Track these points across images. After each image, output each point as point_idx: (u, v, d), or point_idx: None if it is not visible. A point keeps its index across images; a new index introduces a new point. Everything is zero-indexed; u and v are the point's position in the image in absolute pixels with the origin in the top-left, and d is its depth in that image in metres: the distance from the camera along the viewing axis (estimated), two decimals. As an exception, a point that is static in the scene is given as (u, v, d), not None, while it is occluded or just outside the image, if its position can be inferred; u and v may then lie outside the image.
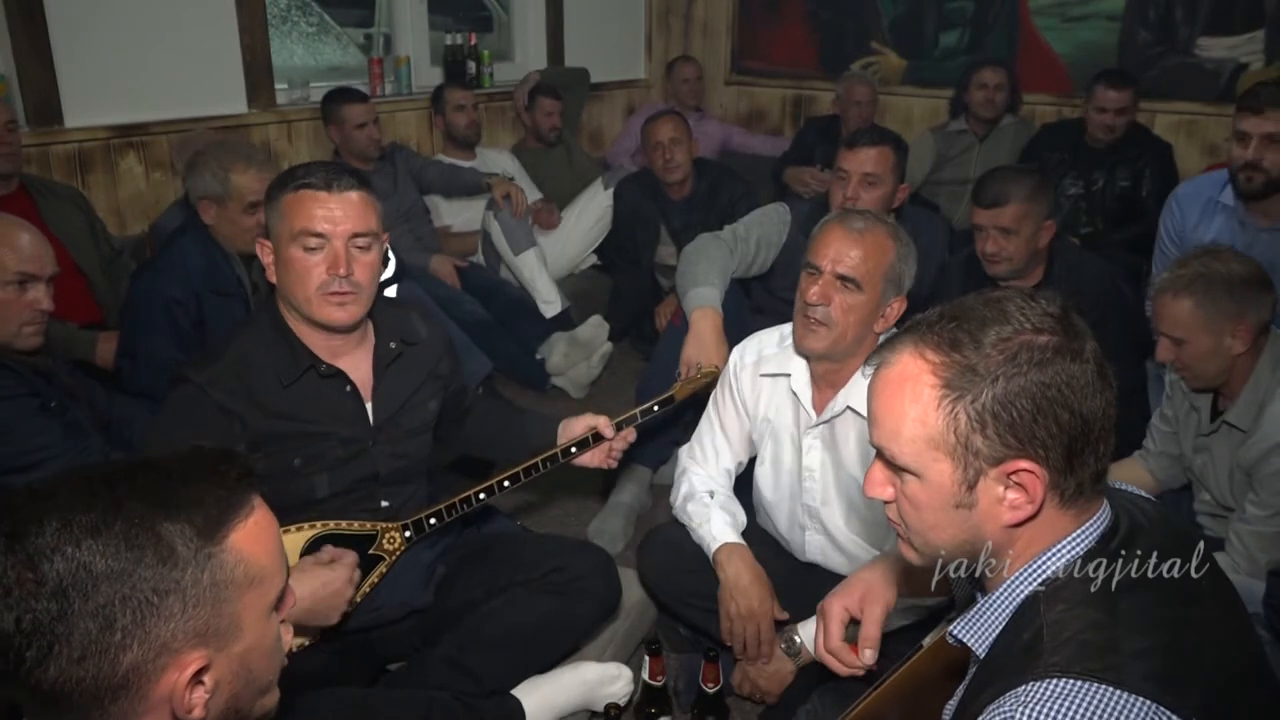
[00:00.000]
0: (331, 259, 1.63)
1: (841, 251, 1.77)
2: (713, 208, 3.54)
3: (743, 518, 2.02)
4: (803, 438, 1.92)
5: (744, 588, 1.86)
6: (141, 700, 0.80)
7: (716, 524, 1.94)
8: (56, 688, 0.78)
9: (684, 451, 2.12)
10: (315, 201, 1.62)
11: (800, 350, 1.88)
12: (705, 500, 1.98)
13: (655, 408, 2.05)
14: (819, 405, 1.89)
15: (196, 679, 0.82)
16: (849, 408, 1.82)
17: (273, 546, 0.89)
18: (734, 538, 1.92)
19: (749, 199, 3.56)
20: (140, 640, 0.78)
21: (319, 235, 1.62)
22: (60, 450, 1.89)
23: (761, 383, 1.98)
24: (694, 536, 1.97)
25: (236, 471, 0.87)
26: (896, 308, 1.80)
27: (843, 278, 1.76)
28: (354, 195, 1.65)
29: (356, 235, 1.65)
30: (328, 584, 1.64)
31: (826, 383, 1.87)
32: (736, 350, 2.05)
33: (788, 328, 1.94)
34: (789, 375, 1.92)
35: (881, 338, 1.85)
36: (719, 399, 2.06)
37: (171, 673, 0.80)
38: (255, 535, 0.86)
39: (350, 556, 1.69)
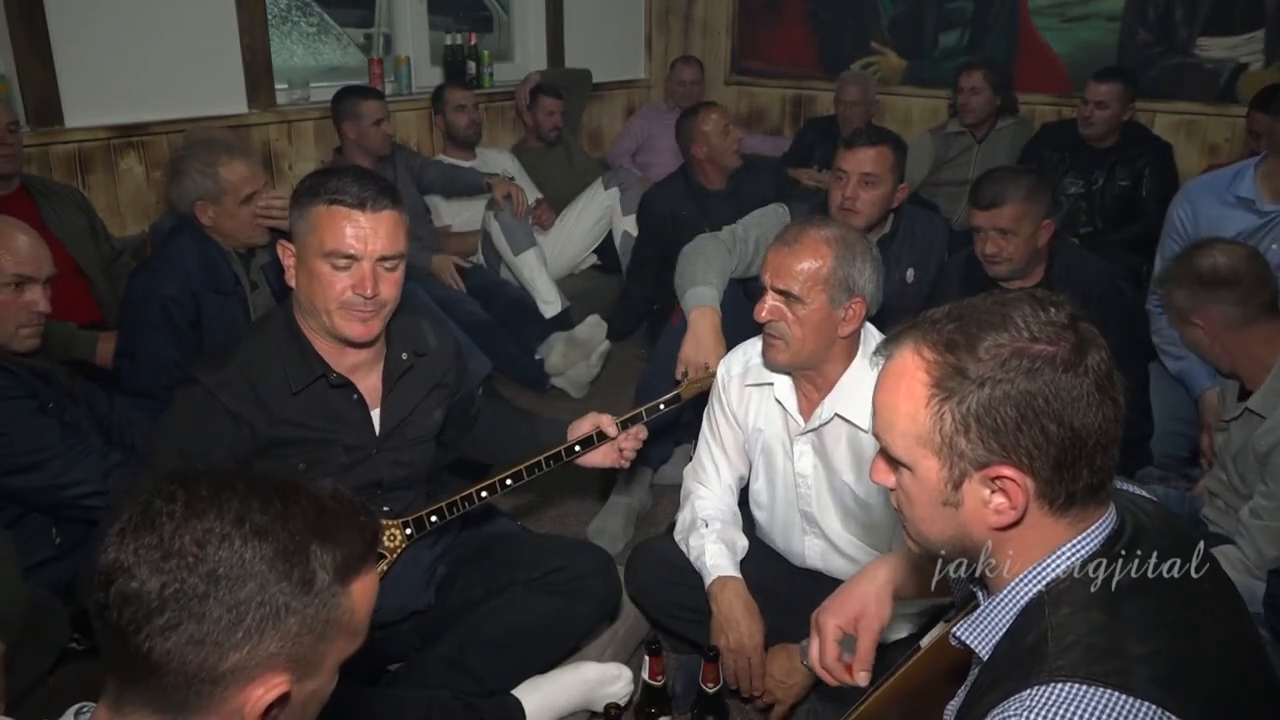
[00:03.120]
0: (359, 278, 1.61)
1: (777, 267, 1.78)
2: (753, 191, 3.48)
3: (743, 543, 2.01)
4: (793, 444, 1.92)
5: (735, 621, 1.85)
6: (221, 702, 0.83)
7: (711, 555, 1.93)
8: (163, 661, 0.80)
9: (687, 473, 2.12)
10: (348, 220, 1.59)
11: (767, 366, 1.89)
12: (702, 531, 1.97)
13: (661, 406, 2.04)
14: (805, 412, 1.89)
15: (271, 705, 0.84)
16: (837, 415, 1.82)
17: (371, 607, 0.92)
18: (729, 570, 1.91)
19: (778, 181, 3.58)
20: (253, 646, 0.81)
21: (349, 256, 1.60)
22: (59, 450, 1.89)
23: (749, 392, 1.98)
24: (695, 568, 1.96)
25: (372, 528, 0.92)
26: (856, 309, 1.79)
27: (782, 292, 1.77)
28: (387, 215, 1.62)
29: (385, 257, 1.63)
30: None
31: (812, 387, 1.87)
32: (723, 363, 2.06)
33: None
34: (772, 384, 1.92)
35: (872, 344, 1.85)
36: (712, 414, 2.06)
37: (257, 687, 0.83)
38: (367, 591, 0.90)
39: None
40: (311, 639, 0.84)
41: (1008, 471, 0.94)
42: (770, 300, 1.79)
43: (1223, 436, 2.13)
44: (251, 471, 0.88)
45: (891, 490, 1.06)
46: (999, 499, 0.96)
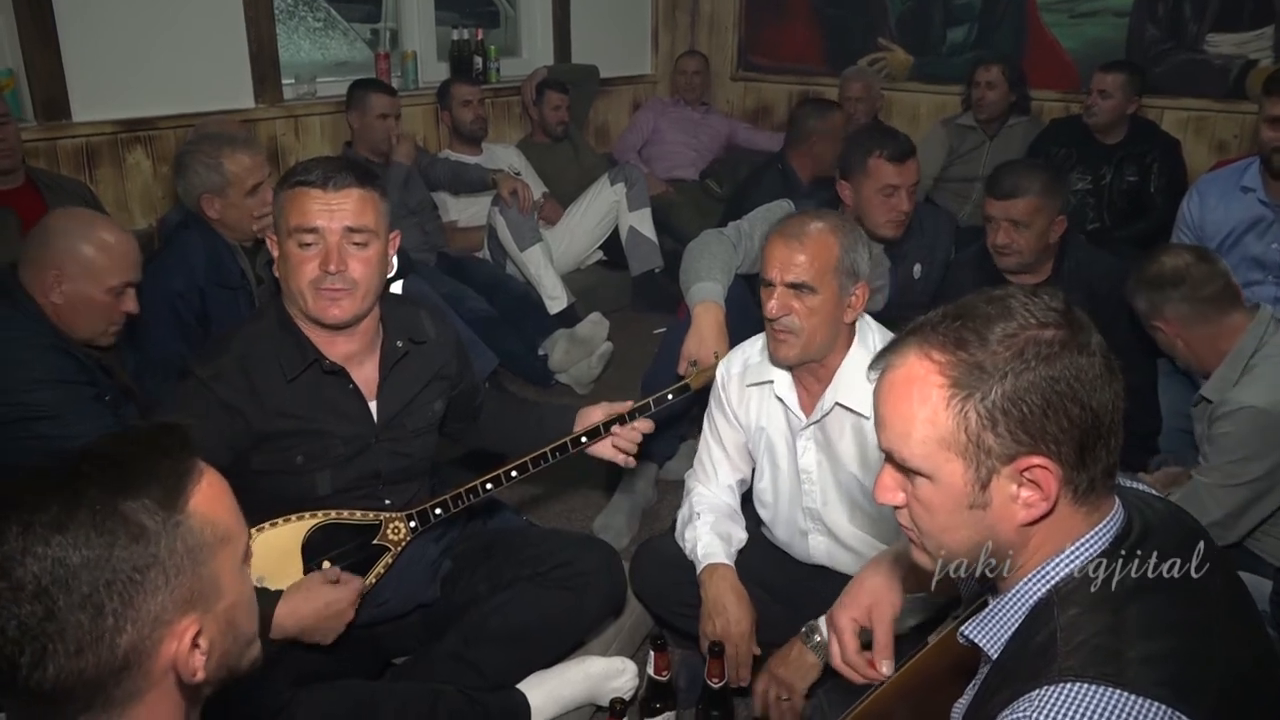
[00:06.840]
0: (324, 255, 1.62)
1: (786, 260, 1.78)
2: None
3: (740, 535, 2.01)
4: (796, 440, 1.92)
5: (723, 607, 1.85)
6: (145, 676, 0.82)
7: (704, 545, 1.93)
8: (58, 685, 0.78)
9: (689, 474, 2.12)
10: (309, 198, 1.62)
11: (776, 363, 1.88)
12: (696, 524, 1.98)
13: (670, 396, 2.04)
14: (807, 406, 1.88)
15: (194, 643, 0.84)
16: (838, 404, 1.82)
17: (230, 504, 0.90)
18: (719, 559, 1.91)
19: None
20: (132, 620, 0.79)
21: (312, 230, 1.61)
22: None
23: (749, 392, 1.98)
24: (690, 559, 1.96)
25: (178, 440, 0.88)
26: (860, 294, 1.80)
27: (794, 285, 1.77)
28: (352, 192, 1.63)
29: (351, 230, 1.63)
30: (331, 604, 1.64)
31: (813, 379, 1.87)
32: (723, 364, 2.05)
33: None
34: (772, 382, 1.92)
35: (868, 331, 1.86)
36: (712, 414, 2.06)
37: (170, 643, 0.82)
38: (212, 496, 0.88)
39: (356, 582, 1.70)
40: (187, 575, 0.83)
41: (1038, 461, 0.93)
42: (780, 295, 1.79)
43: (1199, 428, 2.17)
44: (18, 474, 0.83)
45: (899, 508, 1.04)
46: (1027, 492, 0.95)
